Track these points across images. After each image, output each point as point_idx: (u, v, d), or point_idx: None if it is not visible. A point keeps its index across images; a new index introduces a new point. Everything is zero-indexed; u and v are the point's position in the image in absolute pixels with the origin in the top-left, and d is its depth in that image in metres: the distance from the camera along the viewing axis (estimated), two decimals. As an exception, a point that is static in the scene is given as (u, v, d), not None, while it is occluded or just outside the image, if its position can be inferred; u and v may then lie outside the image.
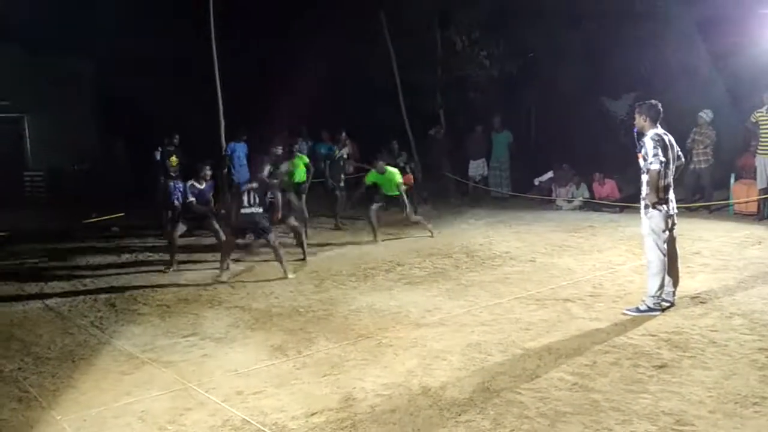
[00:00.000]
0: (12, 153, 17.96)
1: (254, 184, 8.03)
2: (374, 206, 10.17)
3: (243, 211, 7.90)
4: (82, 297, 7.37)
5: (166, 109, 14.65)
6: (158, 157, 10.76)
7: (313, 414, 4.18)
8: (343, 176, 11.69)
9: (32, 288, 7.88)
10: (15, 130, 18.01)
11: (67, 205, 13.69)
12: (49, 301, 7.23)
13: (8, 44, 16.44)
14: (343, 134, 11.82)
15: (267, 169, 8.47)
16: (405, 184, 10.74)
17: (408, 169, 12.08)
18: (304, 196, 10.67)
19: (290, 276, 7.89)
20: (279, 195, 8.35)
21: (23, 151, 18.16)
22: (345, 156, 11.65)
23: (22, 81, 16.91)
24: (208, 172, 8.84)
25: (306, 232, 10.49)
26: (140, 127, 14.51)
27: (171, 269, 8.45)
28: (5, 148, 18.09)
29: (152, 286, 7.70)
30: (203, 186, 8.78)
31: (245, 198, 7.92)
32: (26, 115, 17.88)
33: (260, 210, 7.93)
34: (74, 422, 4.25)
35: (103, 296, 7.37)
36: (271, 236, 8.03)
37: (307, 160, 10.80)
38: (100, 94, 18.13)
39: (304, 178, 10.66)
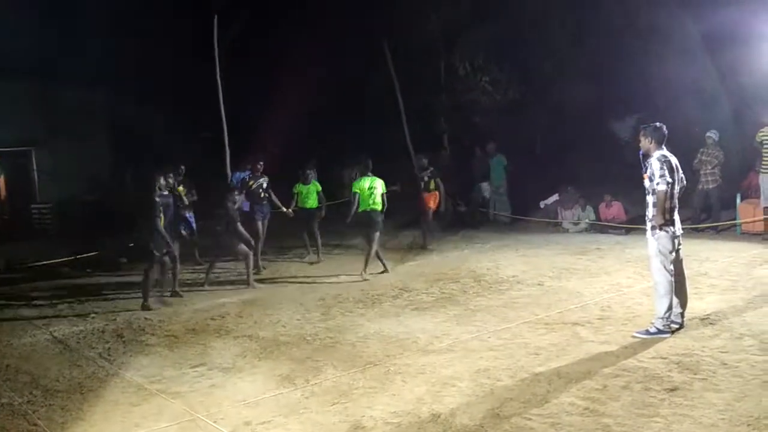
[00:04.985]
0: (20, 185, 18.11)
1: None
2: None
3: None
4: (90, 328, 7.38)
5: (172, 139, 14.81)
6: None
7: (322, 443, 4.15)
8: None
9: (40, 320, 7.90)
10: (22, 163, 18.17)
11: (75, 236, 13.75)
12: (57, 333, 7.25)
13: (17, 76, 16.65)
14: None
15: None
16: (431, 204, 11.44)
17: (432, 187, 11.65)
18: (317, 223, 10.95)
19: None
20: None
21: (31, 184, 18.29)
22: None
23: (30, 113, 17.10)
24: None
25: (318, 256, 11.02)
26: (148, 157, 14.64)
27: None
28: (13, 181, 18.25)
29: (160, 317, 7.72)
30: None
31: None
32: (34, 147, 18.03)
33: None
34: (83, 455, 4.24)
35: (111, 327, 7.38)
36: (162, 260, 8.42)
37: (319, 186, 11.03)
38: (109, 125, 18.31)
39: (316, 205, 10.93)
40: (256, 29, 15.92)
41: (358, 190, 9.48)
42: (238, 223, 9.08)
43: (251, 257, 9.26)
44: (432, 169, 11.77)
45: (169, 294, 8.69)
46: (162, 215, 8.21)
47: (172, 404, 4.98)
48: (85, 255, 11.22)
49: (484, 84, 15.14)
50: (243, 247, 9.08)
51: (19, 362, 6.31)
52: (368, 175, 9.56)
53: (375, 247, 9.46)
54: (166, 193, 8.78)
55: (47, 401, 5.21)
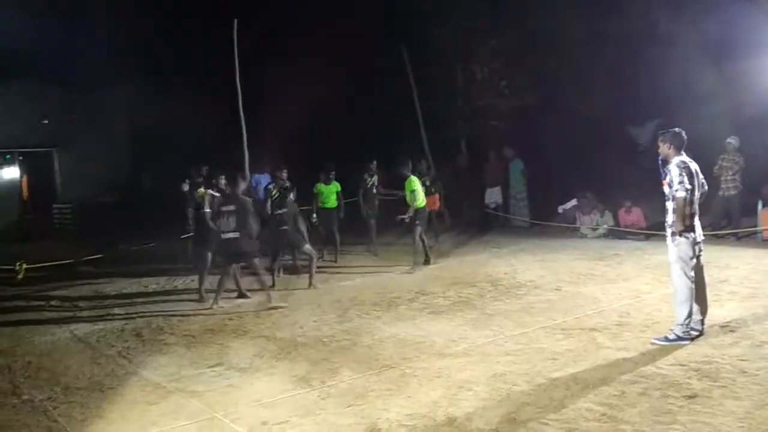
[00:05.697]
0: (42, 186, 18.38)
1: (231, 207, 7.94)
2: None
3: (223, 236, 7.98)
4: (109, 327, 7.48)
5: (193, 140, 14.93)
6: (186, 188, 10.82)
7: (338, 445, 4.17)
8: (376, 203, 11.84)
9: (60, 319, 8.02)
10: (44, 163, 18.43)
11: (95, 236, 13.91)
12: (78, 332, 7.35)
13: (39, 79, 16.93)
14: (374, 163, 11.91)
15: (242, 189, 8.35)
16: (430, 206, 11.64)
17: (434, 190, 12.30)
18: (336, 223, 11.20)
19: (279, 303, 7.97)
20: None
21: (53, 184, 18.55)
22: (375, 184, 11.76)
23: (52, 115, 17.37)
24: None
25: (336, 257, 11.22)
26: (168, 158, 14.77)
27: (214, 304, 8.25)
28: (35, 181, 18.52)
29: (178, 316, 7.79)
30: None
31: (223, 222, 7.95)
32: (56, 149, 18.29)
33: (237, 234, 7.89)
34: (102, 452, 4.29)
35: (130, 326, 7.47)
36: (254, 261, 8.11)
37: (339, 187, 11.27)
38: (128, 126, 18.53)
39: (336, 205, 11.17)
40: (271, 31, 16.00)
41: (416, 188, 10.00)
42: (300, 218, 9.26)
43: (315, 257, 9.36)
44: (432, 174, 12.60)
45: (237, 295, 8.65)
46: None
47: (189, 403, 5.03)
48: (104, 254, 11.35)
49: (502, 88, 15.11)
50: (309, 247, 9.21)
51: (40, 360, 6.40)
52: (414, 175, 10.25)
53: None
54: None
55: (67, 398, 5.29)
